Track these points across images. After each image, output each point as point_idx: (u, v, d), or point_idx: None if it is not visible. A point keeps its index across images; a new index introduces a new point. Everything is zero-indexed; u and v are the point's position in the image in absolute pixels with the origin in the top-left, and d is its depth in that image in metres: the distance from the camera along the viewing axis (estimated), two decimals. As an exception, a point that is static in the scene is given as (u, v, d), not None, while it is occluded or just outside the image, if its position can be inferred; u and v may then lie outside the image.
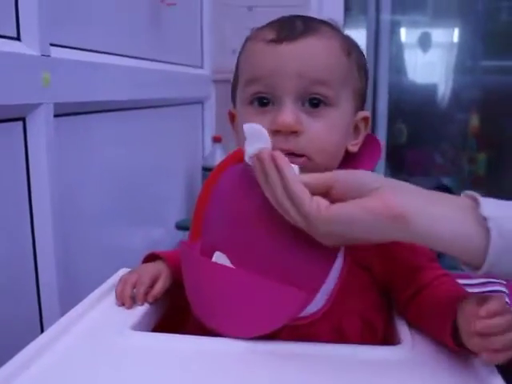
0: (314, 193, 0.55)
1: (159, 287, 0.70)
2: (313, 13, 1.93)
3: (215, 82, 2.02)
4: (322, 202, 0.53)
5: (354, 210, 0.52)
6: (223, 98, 1.96)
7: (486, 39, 2.39)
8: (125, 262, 0.87)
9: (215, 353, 0.57)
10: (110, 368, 0.55)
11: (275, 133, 0.59)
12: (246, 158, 0.59)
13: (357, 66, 0.64)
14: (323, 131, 0.60)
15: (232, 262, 0.63)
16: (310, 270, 0.60)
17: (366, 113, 0.66)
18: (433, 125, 2.41)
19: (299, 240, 0.59)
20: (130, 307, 0.68)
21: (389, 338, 0.65)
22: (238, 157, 0.77)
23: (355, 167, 0.64)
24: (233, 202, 0.67)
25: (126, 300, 0.69)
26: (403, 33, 2.46)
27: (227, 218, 0.67)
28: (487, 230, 0.49)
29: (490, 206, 0.51)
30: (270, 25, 0.63)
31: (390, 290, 0.66)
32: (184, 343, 0.59)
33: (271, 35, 0.61)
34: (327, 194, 0.55)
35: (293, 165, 0.56)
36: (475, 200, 0.52)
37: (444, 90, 2.44)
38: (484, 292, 0.59)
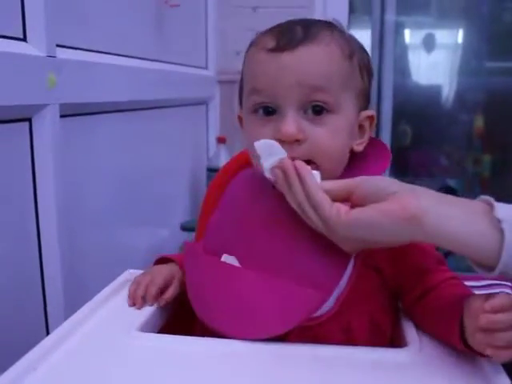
0: (335, 199, 0.57)
1: (171, 291, 0.70)
2: (317, 13, 1.93)
3: (219, 82, 2.02)
4: (342, 208, 0.55)
5: (373, 214, 0.53)
6: (227, 98, 1.96)
7: (490, 40, 2.38)
8: (129, 262, 0.87)
9: (223, 354, 0.57)
10: (116, 369, 0.55)
11: (280, 142, 0.60)
12: (266, 173, 0.61)
13: (359, 68, 0.65)
14: (326, 137, 0.61)
15: (241, 264, 0.63)
16: (323, 271, 0.60)
17: (371, 112, 0.67)
18: (437, 126, 2.40)
19: (312, 242, 0.60)
20: (140, 307, 0.68)
21: (396, 340, 0.65)
22: (243, 159, 0.77)
23: (362, 167, 0.65)
24: (244, 206, 0.68)
25: (137, 300, 0.69)
26: (408, 34, 2.46)
27: (238, 221, 0.67)
28: (501, 232, 0.51)
29: (504, 209, 0.52)
30: (271, 31, 0.64)
31: (398, 292, 0.66)
32: (191, 345, 0.59)
33: (271, 43, 0.62)
34: (348, 199, 0.57)
35: (314, 171, 0.58)
36: (490, 204, 0.53)
37: (448, 91, 2.44)
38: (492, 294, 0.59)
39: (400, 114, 2.35)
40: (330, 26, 0.65)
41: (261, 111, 0.63)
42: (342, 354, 0.57)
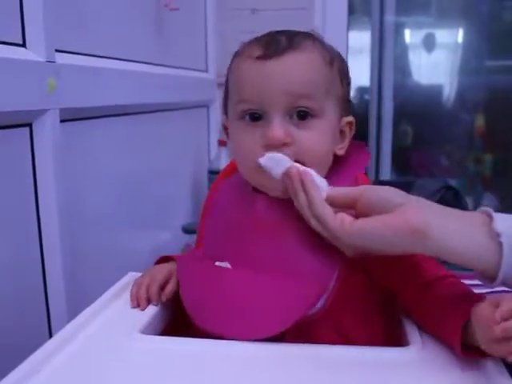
0: (340, 206, 0.59)
1: (171, 286, 0.71)
2: (317, 15, 1.93)
3: (220, 85, 2.02)
4: (346, 218, 0.57)
5: (376, 226, 0.55)
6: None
7: (490, 39, 2.38)
8: (132, 265, 0.87)
9: (225, 355, 0.57)
10: (119, 372, 0.55)
11: (267, 147, 0.63)
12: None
13: (339, 75, 0.68)
14: (312, 141, 0.64)
15: (234, 268, 0.65)
16: (316, 270, 0.61)
17: (351, 118, 0.70)
18: (438, 126, 2.40)
19: (301, 244, 0.62)
20: (144, 308, 0.69)
21: (398, 339, 0.64)
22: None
23: (343, 169, 0.69)
24: (231, 213, 0.70)
25: (141, 301, 0.69)
26: (407, 34, 2.46)
27: (227, 229, 0.69)
28: (499, 245, 0.52)
29: (503, 222, 0.53)
30: (256, 41, 0.67)
31: (391, 290, 0.66)
32: (193, 346, 0.59)
33: (258, 52, 0.64)
34: (352, 206, 0.59)
35: (321, 179, 0.60)
36: (490, 215, 0.55)
37: (449, 90, 2.44)
38: (492, 292, 0.59)
39: (401, 114, 2.35)
40: (310, 35, 0.68)
41: (247, 117, 0.65)
42: (343, 354, 0.57)
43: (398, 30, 2.38)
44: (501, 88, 2.34)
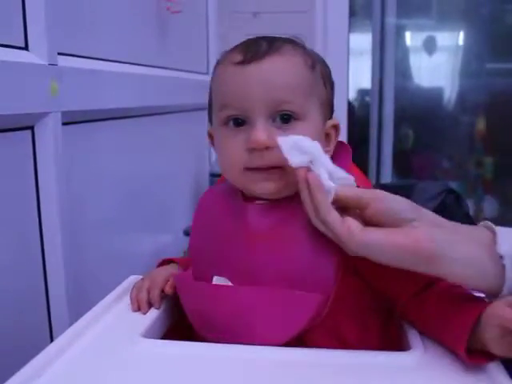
0: (348, 206, 0.58)
1: (171, 283, 0.71)
2: (318, 18, 1.93)
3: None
4: (353, 226, 0.56)
5: (384, 242, 0.55)
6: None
7: (491, 42, 2.38)
8: (133, 268, 0.87)
9: (227, 359, 0.57)
10: (120, 376, 0.55)
11: (251, 150, 0.63)
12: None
13: (322, 78, 0.68)
14: None
15: (233, 283, 0.64)
16: (317, 276, 0.60)
17: (336, 121, 0.70)
18: (439, 129, 2.40)
19: (297, 250, 0.62)
20: (146, 312, 0.69)
21: (399, 344, 0.64)
22: None
23: None
24: (221, 224, 0.69)
25: (142, 305, 0.70)
26: (408, 36, 2.46)
27: (218, 240, 0.68)
28: (502, 267, 0.53)
29: (506, 240, 0.54)
30: (236, 47, 0.67)
31: (386, 293, 0.65)
32: (195, 350, 0.59)
33: (238, 57, 0.64)
34: (363, 210, 0.58)
35: (331, 185, 0.58)
36: (493, 232, 0.56)
37: (450, 93, 2.44)
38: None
39: (402, 117, 2.35)
40: (291, 41, 0.68)
41: (231, 123, 0.65)
42: (344, 359, 0.57)
43: (399, 32, 2.38)
44: (502, 91, 2.34)
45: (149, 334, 0.64)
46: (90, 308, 0.69)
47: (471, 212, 1.00)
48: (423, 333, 0.62)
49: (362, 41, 2.36)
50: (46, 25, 0.91)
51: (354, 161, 0.72)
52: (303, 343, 0.60)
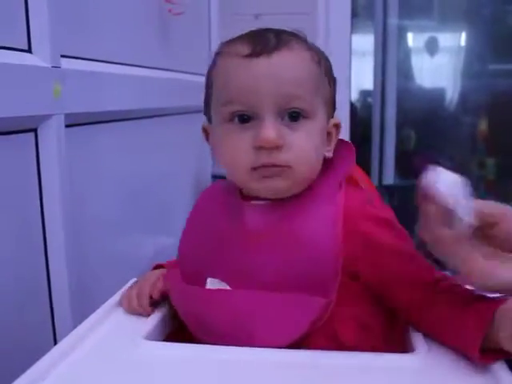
0: (480, 220, 0.54)
1: (159, 288, 0.70)
2: (320, 19, 1.93)
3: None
4: (487, 269, 0.52)
5: None
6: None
7: (493, 43, 2.38)
8: (135, 269, 0.87)
9: (228, 362, 0.57)
10: (123, 379, 0.55)
11: (258, 148, 0.60)
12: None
13: (326, 75, 0.66)
14: (304, 142, 0.61)
15: (230, 285, 0.63)
16: (318, 278, 0.59)
17: (337, 120, 0.68)
18: (441, 130, 2.40)
19: (298, 253, 0.60)
20: (148, 314, 0.68)
21: (403, 346, 0.64)
22: None
23: (331, 171, 0.66)
24: (217, 223, 0.67)
25: (138, 311, 0.69)
26: (410, 38, 2.46)
27: (214, 240, 0.66)
28: None
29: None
30: (241, 39, 0.64)
31: (386, 297, 0.64)
32: (198, 352, 0.59)
33: (246, 50, 0.61)
34: (488, 227, 0.54)
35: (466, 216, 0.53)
36: None
37: (452, 94, 2.44)
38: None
39: (404, 118, 2.35)
40: (295, 34, 0.66)
41: (236, 119, 0.62)
42: (348, 361, 0.57)
43: (401, 33, 2.38)
44: (504, 92, 2.34)
45: (151, 337, 0.64)
46: (92, 308, 0.69)
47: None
48: (429, 335, 0.61)
49: (364, 42, 2.36)
50: (49, 27, 0.91)
51: (356, 161, 0.70)
52: (301, 347, 0.59)
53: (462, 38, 2.46)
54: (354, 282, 0.62)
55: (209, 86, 0.67)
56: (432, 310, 0.60)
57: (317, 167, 0.65)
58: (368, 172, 2.25)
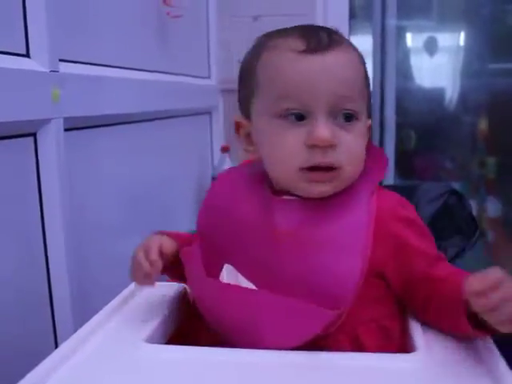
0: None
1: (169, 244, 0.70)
2: (318, 20, 1.93)
3: (222, 91, 2.02)
4: None
5: None
6: (231, 107, 1.96)
7: (492, 42, 2.38)
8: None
9: (231, 364, 0.57)
10: (124, 381, 0.55)
11: (311, 147, 0.60)
12: None
13: (366, 76, 0.66)
14: (355, 143, 0.62)
15: (243, 273, 0.63)
16: (337, 284, 0.58)
17: (370, 121, 0.68)
18: (441, 129, 2.40)
19: (321, 251, 0.60)
20: (158, 270, 0.67)
21: (404, 345, 0.64)
22: None
23: (364, 175, 0.65)
24: (236, 210, 0.66)
25: (146, 269, 0.67)
26: (409, 38, 2.46)
27: (230, 226, 0.66)
28: None
29: None
30: (291, 34, 0.63)
31: (405, 297, 0.65)
32: (199, 355, 0.59)
33: (300, 45, 0.61)
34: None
35: None
36: None
37: (451, 94, 2.43)
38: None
39: (403, 118, 2.35)
40: (339, 33, 0.66)
41: (293, 117, 0.61)
42: (349, 361, 0.57)
43: (400, 33, 2.38)
44: (504, 91, 2.34)
45: (152, 339, 0.64)
46: (93, 312, 0.69)
47: (474, 212, 1.00)
48: (432, 323, 0.62)
49: (362, 43, 2.35)
50: (47, 32, 0.91)
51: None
52: (319, 348, 0.59)
53: (461, 37, 2.46)
54: (379, 280, 0.63)
55: (250, 78, 0.65)
56: (428, 296, 0.61)
57: (361, 169, 0.65)
58: (368, 172, 2.23)
